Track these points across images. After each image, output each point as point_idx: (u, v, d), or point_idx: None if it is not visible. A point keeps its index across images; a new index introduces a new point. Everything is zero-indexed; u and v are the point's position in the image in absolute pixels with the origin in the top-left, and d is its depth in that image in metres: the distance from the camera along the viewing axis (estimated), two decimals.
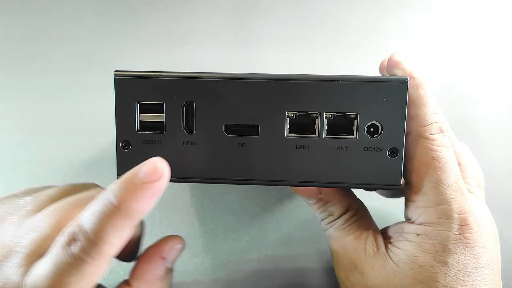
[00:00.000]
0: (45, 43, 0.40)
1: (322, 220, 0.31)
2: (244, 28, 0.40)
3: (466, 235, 0.26)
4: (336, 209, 0.30)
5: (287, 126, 0.26)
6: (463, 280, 0.26)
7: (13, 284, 0.23)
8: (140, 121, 0.26)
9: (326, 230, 0.31)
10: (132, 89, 0.26)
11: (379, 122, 0.26)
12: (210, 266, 0.38)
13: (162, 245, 0.30)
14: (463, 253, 0.26)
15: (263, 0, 0.40)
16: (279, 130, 0.26)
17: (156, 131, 0.27)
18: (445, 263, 0.26)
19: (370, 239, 0.29)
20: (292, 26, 0.40)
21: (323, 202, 0.30)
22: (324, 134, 0.26)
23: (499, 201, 0.39)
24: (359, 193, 0.31)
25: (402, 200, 0.29)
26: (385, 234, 0.30)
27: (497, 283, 0.27)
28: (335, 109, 0.26)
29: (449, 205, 0.26)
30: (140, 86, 0.26)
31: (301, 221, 0.39)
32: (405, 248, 0.27)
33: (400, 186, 0.26)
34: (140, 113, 0.26)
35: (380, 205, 0.36)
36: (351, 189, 0.31)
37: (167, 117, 0.26)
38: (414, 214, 0.27)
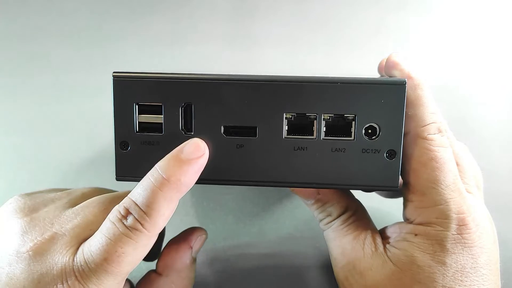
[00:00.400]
0: (45, 43, 0.40)
1: (321, 220, 0.31)
2: (244, 29, 0.40)
3: (464, 235, 0.26)
4: (334, 210, 0.30)
5: (285, 127, 0.26)
6: (461, 280, 0.26)
7: (62, 264, 0.24)
8: (138, 122, 0.27)
9: (324, 230, 0.31)
10: (130, 90, 0.26)
11: (377, 124, 0.26)
12: (210, 265, 0.39)
13: (189, 235, 0.32)
14: (461, 253, 0.26)
15: (263, 0, 0.40)
16: (277, 131, 0.26)
17: (154, 132, 0.27)
18: (443, 263, 0.26)
19: (369, 239, 0.29)
20: (292, 27, 0.40)
21: (322, 203, 0.30)
22: (322, 135, 0.26)
23: (499, 201, 0.39)
24: (357, 193, 0.31)
25: (400, 200, 0.29)
26: (383, 234, 0.30)
27: (496, 283, 0.27)
28: (333, 110, 0.26)
29: (447, 205, 0.26)
30: (139, 87, 0.26)
31: (300, 221, 0.39)
32: (403, 248, 0.27)
33: (397, 187, 0.26)
34: (138, 114, 0.26)
35: (379, 206, 0.37)
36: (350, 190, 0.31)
37: (165, 118, 0.26)
38: (412, 214, 0.28)
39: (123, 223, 0.24)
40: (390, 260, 0.27)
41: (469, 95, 0.40)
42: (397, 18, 0.40)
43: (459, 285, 0.26)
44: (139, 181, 0.28)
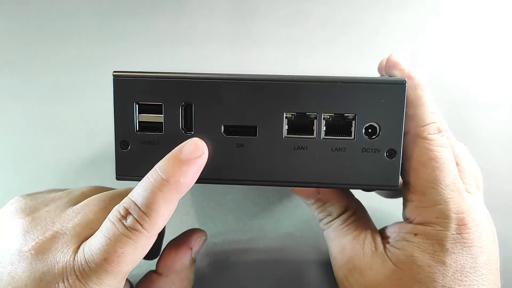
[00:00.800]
0: (45, 43, 0.40)
1: (321, 220, 0.31)
2: (244, 29, 0.40)
3: (463, 235, 0.26)
4: (334, 209, 0.30)
5: (285, 127, 0.26)
6: (461, 280, 0.26)
7: (63, 263, 0.25)
8: (138, 121, 0.27)
9: (324, 230, 0.31)
10: (131, 90, 0.26)
11: (377, 124, 0.26)
12: (209, 265, 0.39)
13: (188, 236, 0.33)
14: (460, 253, 0.26)
15: (263, 0, 0.40)
16: (277, 131, 0.26)
17: (154, 131, 0.27)
18: (443, 263, 0.26)
19: (369, 239, 0.29)
20: (292, 27, 0.40)
21: (322, 202, 0.30)
22: (322, 135, 0.26)
23: (499, 201, 0.39)
24: (357, 193, 0.31)
25: (400, 200, 0.30)
26: (383, 234, 0.30)
27: (495, 283, 0.27)
28: (333, 110, 0.26)
29: (447, 205, 0.26)
30: (139, 87, 0.26)
31: (300, 221, 0.39)
32: (403, 248, 0.27)
33: (398, 187, 0.26)
34: (138, 113, 0.26)
35: (379, 206, 0.37)
36: (350, 189, 0.31)
37: (165, 117, 0.26)
38: (412, 214, 0.28)
39: (123, 223, 0.24)
40: (390, 260, 0.27)
41: (469, 95, 0.40)
42: (397, 18, 0.40)
43: (458, 285, 0.26)
44: (139, 180, 0.28)
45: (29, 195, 0.30)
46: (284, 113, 0.26)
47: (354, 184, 0.26)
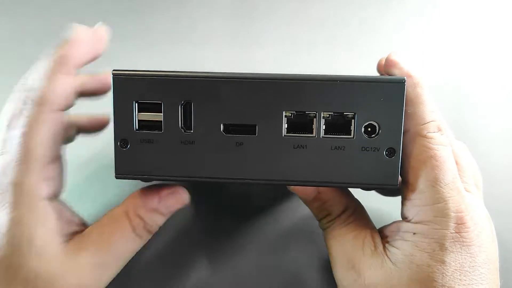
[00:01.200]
0: (45, 43, 0.40)
1: (320, 219, 0.31)
2: (244, 29, 0.40)
3: (462, 234, 0.26)
4: (334, 208, 0.30)
5: (285, 125, 0.26)
6: (460, 279, 0.26)
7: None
8: (138, 120, 0.27)
9: (324, 229, 0.31)
10: (130, 88, 0.26)
11: (376, 122, 0.26)
12: (209, 265, 0.39)
13: (164, 188, 0.31)
14: (459, 251, 0.26)
15: (263, 0, 0.40)
16: (276, 129, 0.26)
17: (154, 130, 0.27)
18: (443, 262, 0.26)
19: (368, 239, 0.29)
20: (292, 26, 0.40)
21: (321, 202, 0.30)
22: (322, 134, 0.26)
23: (499, 201, 0.39)
24: (357, 191, 0.31)
25: (399, 198, 0.29)
26: (382, 234, 0.30)
27: (495, 282, 0.27)
28: (333, 109, 0.26)
29: (446, 203, 0.26)
30: (138, 85, 0.26)
31: (299, 220, 0.39)
32: (402, 247, 0.27)
33: (397, 186, 0.26)
34: (138, 112, 0.26)
35: (378, 204, 0.36)
36: (349, 188, 0.31)
37: (165, 116, 0.26)
38: (410, 212, 0.28)
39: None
40: (389, 259, 0.27)
41: (469, 95, 0.40)
42: (397, 18, 0.40)
43: (458, 284, 0.26)
44: (138, 179, 0.28)
45: None
46: (284, 112, 0.26)
47: (354, 183, 0.26)
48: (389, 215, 0.33)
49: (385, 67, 0.29)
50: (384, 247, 0.28)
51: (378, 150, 0.26)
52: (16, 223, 0.26)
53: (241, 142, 0.27)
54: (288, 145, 0.26)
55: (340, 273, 0.29)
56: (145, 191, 0.30)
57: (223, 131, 0.26)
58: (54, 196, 0.29)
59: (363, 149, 0.26)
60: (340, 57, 0.40)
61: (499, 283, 0.28)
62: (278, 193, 0.39)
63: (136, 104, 0.26)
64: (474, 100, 0.40)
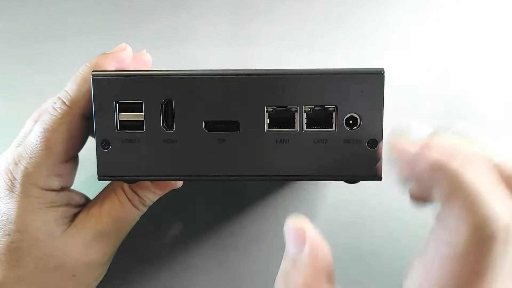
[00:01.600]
0: (45, 43, 0.41)
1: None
2: (244, 29, 0.40)
3: None
4: None
5: (267, 121, 0.26)
6: None
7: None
8: (119, 120, 0.27)
9: None
10: (110, 89, 0.26)
11: (357, 114, 0.26)
12: (207, 264, 0.38)
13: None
14: None
15: (264, 0, 0.40)
16: (258, 125, 0.26)
17: (135, 130, 0.27)
18: None
19: None
20: (291, 25, 0.40)
21: None
22: (304, 127, 0.26)
23: None
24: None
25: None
26: None
27: None
28: (314, 102, 0.26)
29: None
30: (118, 86, 0.26)
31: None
32: None
33: (380, 177, 0.26)
34: (119, 112, 0.26)
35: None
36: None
37: (146, 115, 0.26)
38: None
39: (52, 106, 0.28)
40: None
41: (469, 95, 0.39)
42: (397, 18, 0.40)
43: None
44: (121, 180, 0.28)
45: None
46: (265, 107, 0.26)
47: (337, 176, 0.26)
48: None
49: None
50: None
51: (360, 142, 0.26)
52: (24, 211, 0.28)
53: (223, 138, 0.26)
54: (270, 140, 0.26)
55: None
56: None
57: (205, 128, 0.26)
58: (63, 189, 0.30)
59: (345, 141, 0.26)
60: (340, 58, 0.40)
61: None
62: (278, 192, 0.39)
63: (117, 104, 0.26)
64: (475, 100, 0.39)
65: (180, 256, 0.38)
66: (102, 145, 0.27)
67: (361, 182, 0.26)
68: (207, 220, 0.39)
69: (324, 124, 0.26)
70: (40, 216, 0.28)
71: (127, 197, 0.30)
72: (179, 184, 0.32)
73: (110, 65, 0.28)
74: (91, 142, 0.30)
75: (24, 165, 0.28)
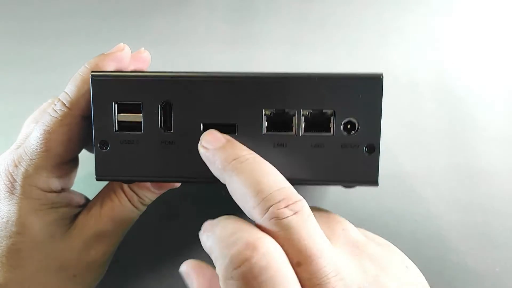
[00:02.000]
0: (45, 43, 0.41)
1: None
2: (244, 29, 0.40)
3: None
4: None
5: (265, 124, 0.26)
6: None
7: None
8: (118, 121, 0.27)
9: None
10: (109, 90, 0.26)
11: (355, 119, 0.25)
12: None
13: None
14: None
15: (264, 0, 0.40)
16: (256, 128, 0.26)
17: (134, 131, 0.27)
18: None
19: None
20: (292, 27, 0.40)
21: None
22: (301, 131, 0.26)
23: (499, 201, 0.38)
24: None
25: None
26: None
27: None
28: (312, 106, 0.26)
29: None
30: (117, 87, 0.26)
31: None
32: None
33: (377, 183, 0.26)
34: (118, 113, 0.27)
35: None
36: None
37: (144, 117, 0.26)
38: None
39: (52, 107, 0.28)
40: None
41: (469, 95, 0.39)
42: (397, 18, 0.40)
43: None
44: (119, 180, 0.28)
45: None
46: (263, 110, 0.26)
47: (334, 181, 0.26)
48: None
49: None
50: None
51: (357, 147, 0.26)
52: (25, 213, 0.28)
53: None
54: (268, 143, 0.26)
55: None
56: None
57: (203, 130, 0.26)
58: (63, 190, 0.30)
59: (343, 146, 0.26)
60: (341, 58, 0.40)
61: None
62: None
63: (116, 105, 0.26)
64: (474, 100, 0.39)
65: (180, 256, 0.38)
66: (100, 145, 0.27)
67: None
68: (206, 220, 0.39)
69: (322, 128, 0.26)
70: (40, 217, 0.29)
71: (127, 197, 0.30)
72: (178, 183, 0.32)
73: (109, 66, 0.28)
74: None
75: (24, 166, 0.28)
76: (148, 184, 0.30)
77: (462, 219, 0.37)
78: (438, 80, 0.39)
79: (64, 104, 0.28)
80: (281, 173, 0.26)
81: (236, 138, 0.26)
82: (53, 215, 0.29)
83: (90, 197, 0.32)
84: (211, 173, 0.26)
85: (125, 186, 0.30)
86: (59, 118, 0.28)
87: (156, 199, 0.32)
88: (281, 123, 0.26)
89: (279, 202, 0.22)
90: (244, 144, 0.26)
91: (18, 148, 0.29)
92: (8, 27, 0.41)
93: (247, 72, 0.26)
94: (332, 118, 0.26)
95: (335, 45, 0.40)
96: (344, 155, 0.26)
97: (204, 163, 0.26)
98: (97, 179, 0.27)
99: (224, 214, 0.38)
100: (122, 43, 0.29)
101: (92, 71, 0.27)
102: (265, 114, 0.26)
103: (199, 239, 0.38)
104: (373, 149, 0.25)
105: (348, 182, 0.26)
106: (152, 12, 0.41)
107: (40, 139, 0.28)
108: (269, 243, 0.21)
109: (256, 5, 0.40)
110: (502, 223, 0.37)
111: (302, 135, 0.26)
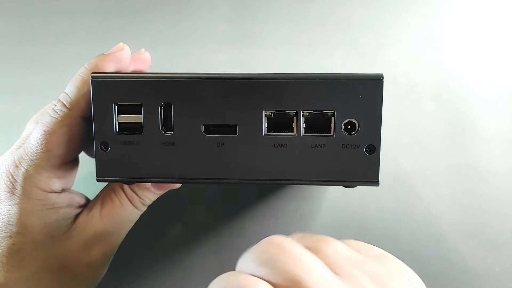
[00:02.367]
0: (45, 43, 0.41)
1: None
2: (244, 29, 0.40)
3: None
4: None
5: (265, 125, 0.26)
6: None
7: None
8: (118, 122, 0.27)
9: None
10: (109, 91, 0.26)
11: (355, 119, 0.26)
12: (206, 266, 0.38)
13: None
14: None
15: (264, 0, 0.40)
16: (257, 129, 0.26)
17: (134, 132, 0.27)
18: None
19: None
20: (292, 27, 0.40)
21: None
22: (302, 132, 0.26)
23: (499, 201, 0.38)
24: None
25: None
26: None
27: None
28: (312, 107, 0.26)
29: None
30: (118, 88, 0.26)
31: (298, 219, 0.39)
32: None
33: (378, 183, 0.26)
34: (118, 114, 0.27)
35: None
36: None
37: (145, 118, 0.26)
38: None
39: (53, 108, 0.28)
40: None
41: (469, 95, 0.39)
42: (397, 18, 0.40)
43: None
44: (120, 181, 0.28)
45: None
46: (264, 111, 0.26)
47: (335, 181, 0.26)
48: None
49: None
50: None
51: (358, 147, 0.26)
52: (26, 213, 0.28)
53: (221, 142, 0.26)
54: (269, 144, 0.26)
55: None
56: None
57: (204, 131, 0.26)
58: (64, 190, 0.30)
59: (343, 146, 0.26)
60: (341, 58, 0.40)
61: None
62: (278, 192, 0.39)
63: (116, 106, 0.26)
64: (474, 100, 0.39)
65: (180, 256, 0.38)
66: (101, 147, 0.27)
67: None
68: (207, 220, 0.39)
69: (322, 129, 0.26)
70: (41, 218, 0.29)
71: (127, 197, 0.30)
72: (178, 184, 0.32)
73: (109, 66, 0.28)
74: None
75: (24, 167, 0.28)
76: (149, 184, 0.30)
77: (462, 219, 0.37)
78: (438, 80, 0.39)
79: (64, 105, 0.28)
80: (282, 173, 0.26)
81: (236, 139, 0.26)
82: (54, 216, 0.29)
83: (91, 198, 0.32)
84: (211, 173, 0.27)
85: (126, 186, 0.30)
86: (59, 118, 0.28)
87: (157, 199, 0.32)
88: (281, 124, 0.26)
89: None
90: (245, 145, 0.26)
91: (18, 148, 0.29)
92: (8, 27, 0.41)
93: (247, 73, 0.26)
94: (332, 119, 0.26)
95: (335, 45, 0.40)
96: (345, 155, 0.26)
97: (204, 163, 0.26)
98: (98, 180, 0.27)
99: (224, 214, 0.39)
100: (121, 43, 0.29)
101: (92, 73, 0.27)
102: (265, 115, 0.26)
103: (199, 240, 0.39)
104: (374, 149, 0.26)
105: (350, 182, 0.26)
106: (152, 12, 0.41)
107: (41, 139, 0.28)
108: None
109: (256, 5, 0.40)
110: (502, 223, 0.37)
111: (303, 136, 0.26)
